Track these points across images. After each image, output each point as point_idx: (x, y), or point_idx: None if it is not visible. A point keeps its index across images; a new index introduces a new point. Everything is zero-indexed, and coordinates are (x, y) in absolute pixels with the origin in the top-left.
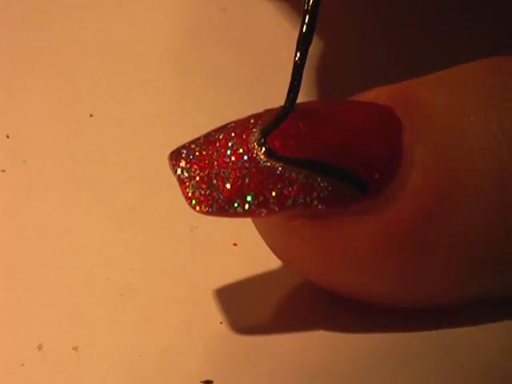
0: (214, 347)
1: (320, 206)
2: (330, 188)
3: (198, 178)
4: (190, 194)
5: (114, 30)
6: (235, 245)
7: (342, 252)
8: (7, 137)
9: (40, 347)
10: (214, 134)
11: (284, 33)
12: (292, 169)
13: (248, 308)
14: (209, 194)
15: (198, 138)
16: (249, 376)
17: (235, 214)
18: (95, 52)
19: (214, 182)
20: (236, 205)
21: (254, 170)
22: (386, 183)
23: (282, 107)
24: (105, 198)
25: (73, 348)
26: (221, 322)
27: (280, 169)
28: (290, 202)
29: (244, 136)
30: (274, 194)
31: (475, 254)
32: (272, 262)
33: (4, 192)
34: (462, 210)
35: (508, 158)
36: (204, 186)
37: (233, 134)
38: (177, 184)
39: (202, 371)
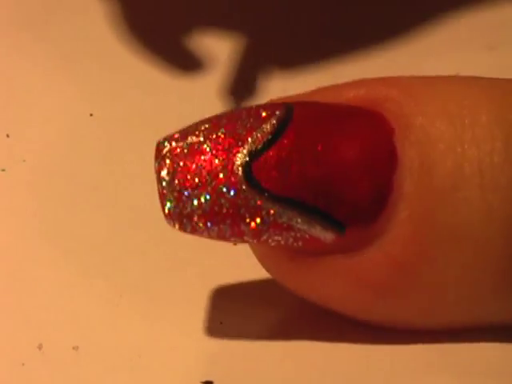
0: (214, 347)
1: (295, 244)
2: (308, 228)
3: (176, 195)
4: (167, 210)
5: (113, 29)
6: (235, 244)
7: (316, 286)
8: (7, 136)
9: (40, 347)
10: (201, 140)
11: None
12: (271, 204)
13: (248, 308)
14: (187, 215)
15: (185, 137)
16: (249, 376)
17: (210, 237)
18: (95, 51)
19: (193, 202)
20: (213, 230)
21: (234, 199)
22: (367, 225)
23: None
24: (105, 197)
25: (73, 348)
26: (221, 322)
27: (259, 203)
28: (265, 237)
29: (231, 155)
30: (249, 227)
31: (461, 291)
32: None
33: (4, 191)
34: (438, 277)
35: (496, 220)
36: (183, 207)
37: (219, 147)
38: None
39: (202, 371)
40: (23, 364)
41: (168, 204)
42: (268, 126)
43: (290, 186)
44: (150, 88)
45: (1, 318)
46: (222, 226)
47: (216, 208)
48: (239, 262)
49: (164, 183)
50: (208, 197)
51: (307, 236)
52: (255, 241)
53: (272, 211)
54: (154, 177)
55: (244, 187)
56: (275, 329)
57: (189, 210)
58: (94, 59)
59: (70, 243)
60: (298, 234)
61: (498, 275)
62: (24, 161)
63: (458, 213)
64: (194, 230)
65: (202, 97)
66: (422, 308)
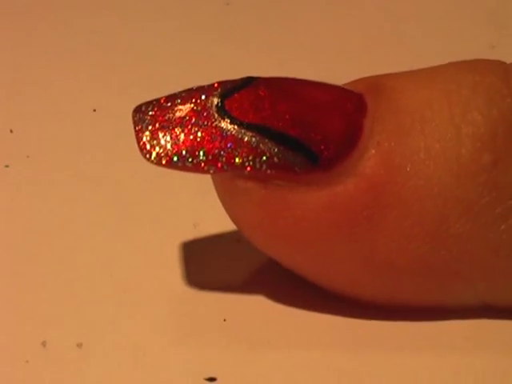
0: (218, 344)
1: (269, 171)
2: (280, 155)
3: (153, 129)
4: (144, 145)
5: (117, 24)
6: (238, 241)
7: (288, 220)
8: (11, 131)
9: (44, 344)
10: (177, 93)
11: (287, 25)
12: (244, 132)
13: (251, 305)
14: (162, 146)
15: (162, 97)
16: (252, 373)
17: (184, 168)
18: (98, 47)
19: (168, 135)
20: (187, 159)
21: (207, 128)
22: (340, 159)
23: (245, 77)
24: (108, 193)
25: (77, 345)
26: (224, 319)
27: (232, 130)
28: (238, 162)
29: (204, 97)
30: (222, 153)
31: (424, 249)
32: (275, 260)
33: (8, 187)
34: (415, 197)
35: (467, 152)
36: (157, 138)
37: (194, 94)
38: (178, 182)
39: (206, 368)
40: (27, 361)
41: (144, 138)
42: (238, 81)
43: (262, 116)
44: (153, 83)
45: (5, 315)
46: (197, 152)
47: (191, 137)
48: (242, 259)
49: (141, 122)
50: (183, 131)
51: (277, 161)
52: (227, 168)
53: (246, 137)
54: (157, 172)
55: (218, 118)
56: (279, 326)
57: (163, 142)
58: (96, 54)
59: (73, 239)
60: (271, 160)
61: (468, 189)
62: (28, 157)
63: (427, 137)
64: (169, 161)
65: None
66: (396, 238)
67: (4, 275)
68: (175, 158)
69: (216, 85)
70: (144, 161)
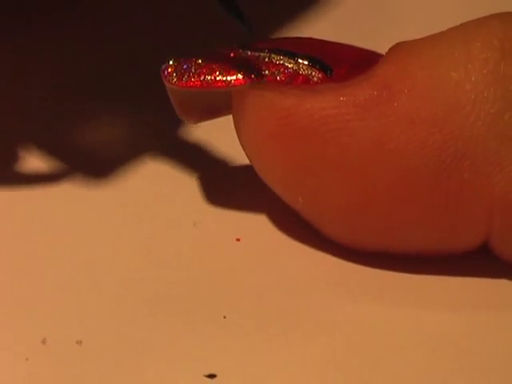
0: (218, 341)
1: (284, 79)
2: (295, 66)
3: (176, 62)
4: (168, 72)
5: (117, 23)
6: (238, 240)
7: (302, 121)
8: (11, 132)
9: (44, 341)
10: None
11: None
12: (262, 53)
13: (251, 302)
14: (184, 70)
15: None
16: (252, 370)
17: (205, 84)
18: (99, 47)
19: (191, 64)
20: (206, 76)
21: (227, 55)
22: (354, 74)
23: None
24: (109, 192)
25: (77, 342)
26: (224, 317)
27: (250, 53)
28: (255, 74)
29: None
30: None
31: (432, 135)
32: (275, 257)
33: (8, 187)
34: (423, 83)
35: (475, 47)
36: (180, 64)
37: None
38: (180, 181)
39: (206, 365)
40: (27, 359)
41: (169, 67)
42: None
43: (281, 44)
44: (153, 83)
45: (5, 312)
46: (215, 65)
47: (212, 59)
48: (242, 257)
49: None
50: (204, 60)
51: (293, 72)
52: (243, 75)
53: (262, 55)
54: (158, 172)
55: (236, 47)
56: (278, 323)
57: (186, 67)
58: (97, 54)
59: (73, 237)
60: (286, 70)
61: (476, 78)
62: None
63: (438, 47)
64: (189, 80)
65: None
66: (404, 121)
67: (4, 274)
68: (195, 77)
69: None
70: (144, 161)
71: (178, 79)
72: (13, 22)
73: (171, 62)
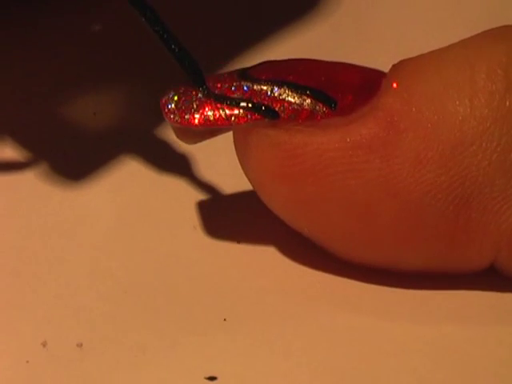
0: (218, 344)
1: (289, 116)
2: (299, 102)
3: (178, 99)
4: (168, 111)
5: (117, 24)
6: (238, 243)
7: (307, 163)
8: (12, 133)
9: (44, 344)
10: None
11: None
12: (264, 85)
13: (251, 305)
14: (185, 108)
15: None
16: (252, 372)
17: (208, 123)
18: (99, 48)
19: (192, 101)
20: (210, 114)
21: (228, 88)
22: (358, 105)
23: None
24: (109, 194)
25: (77, 345)
26: (224, 319)
27: (251, 86)
28: (262, 109)
29: (227, 72)
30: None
31: (439, 174)
32: (275, 260)
33: (8, 188)
34: (428, 119)
35: (481, 80)
36: (181, 103)
37: (218, 76)
38: (178, 184)
39: (206, 368)
40: (27, 361)
41: (169, 105)
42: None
43: (282, 74)
44: (153, 84)
45: (5, 315)
46: (219, 105)
47: (214, 96)
48: (242, 260)
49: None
50: (206, 94)
51: (297, 107)
52: (244, 112)
53: (264, 88)
54: (158, 175)
55: (237, 78)
56: (278, 325)
57: (187, 104)
58: (98, 56)
59: (73, 240)
60: (290, 106)
61: (481, 113)
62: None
63: (442, 73)
64: (193, 120)
65: None
66: (411, 162)
67: (4, 275)
68: (198, 116)
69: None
70: (144, 162)
71: (179, 117)
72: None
73: (171, 96)
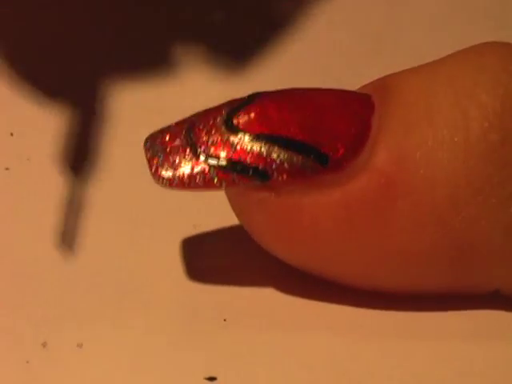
0: (218, 344)
1: (280, 178)
2: (289, 161)
3: (163, 155)
4: (156, 170)
5: (116, 25)
6: (238, 242)
7: (303, 224)
8: (11, 135)
9: (44, 344)
10: (186, 118)
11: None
12: (252, 143)
13: (251, 305)
14: (173, 169)
15: (171, 124)
16: (252, 373)
17: (197, 187)
18: (98, 49)
19: (178, 158)
20: (199, 178)
21: (217, 145)
22: (349, 158)
23: (251, 94)
24: (108, 195)
25: (77, 345)
26: (224, 319)
27: (241, 143)
28: (250, 172)
29: (212, 117)
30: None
31: (438, 235)
32: (276, 259)
33: (8, 190)
34: (426, 185)
35: (475, 134)
36: (168, 162)
37: (202, 117)
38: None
39: (206, 368)
40: (27, 362)
41: (155, 164)
42: (244, 98)
43: (269, 126)
44: (153, 85)
45: (5, 315)
46: (209, 165)
47: (202, 155)
48: (242, 259)
49: (152, 150)
50: (193, 152)
51: (288, 167)
52: (239, 180)
53: (254, 147)
54: None
55: (224, 132)
56: (279, 325)
57: (174, 165)
58: (96, 57)
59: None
60: (281, 167)
61: (477, 170)
62: (28, 159)
63: (435, 125)
64: (181, 183)
65: (205, 94)
66: (408, 227)
67: (4, 275)
68: (187, 180)
69: (223, 105)
70: (143, 163)
71: (167, 182)
72: None
73: (158, 154)
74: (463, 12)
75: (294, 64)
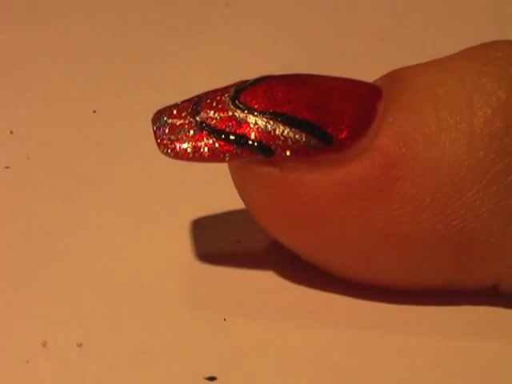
0: (218, 344)
1: (283, 154)
2: (294, 138)
3: (170, 127)
4: (162, 141)
5: (116, 25)
6: (238, 242)
7: (304, 201)
8: (11, 133)
9: (44, 344)
10: (195, 96)
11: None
12: (258, 118)
13: (251, 304)
14: (179, 141)
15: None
16: (252, 373)
17: (201, 158)
18: (98, 47)
19: (185, 131)
20: (204, 149)
21: (223, 119)
22: (353, 139)
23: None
24: (109, 194)
25: (77, 345)
26: (224, 319)
27: (246, 118)
28: (254, 146)
29: (219, 93)
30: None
31: (437, 218)
32: (276, 259)
33: (8, 188)
34: (428, 167)
35: (478, 121)
36: (175, 134)
37: (211, 94)
38: (178, 182)
39: (206, 368)
40: (27, 361)
41: (162, 135)
42: (252, 79)
43: (275, 102)
44: (152, 84)
45: (5, 315)
46: (214, 138)
47: (207, 128)
48: (242, 259)
49: (159, 124)
50: (199, 125)
51: (291, 144)
52: (242, 152)
53: (259, 122)
54: (157, 173)
55: (231, 107)
56: (278, 325)
57: (180, 136)
58: (96, 55)
59: (73, 240)
60: (285, 143)
61: (480, 157)
62: (28, 158)
63: (439, 110)
64: (186, 153)
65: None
66: (408, 209)
67: (4, 275)
68: (191, 151)
69: (231, 84)
70: (144, 162)
71: (172, 151)
72: None
73: (163, 123)
74: (466, 11)
75: (294, 64)
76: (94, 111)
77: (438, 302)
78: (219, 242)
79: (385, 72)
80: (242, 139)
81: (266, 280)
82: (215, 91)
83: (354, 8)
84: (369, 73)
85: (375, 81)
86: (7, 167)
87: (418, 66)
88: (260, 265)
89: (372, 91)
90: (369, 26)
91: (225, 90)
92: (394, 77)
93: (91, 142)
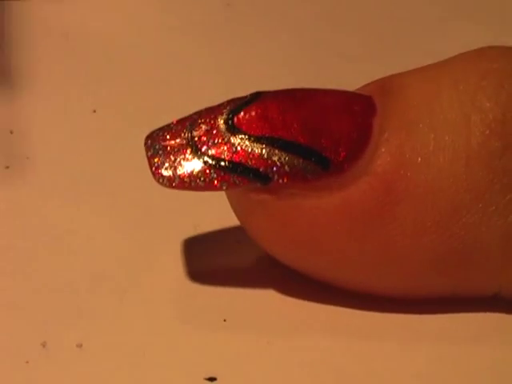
0: (218, 344)
1: (281, 181)
2: (290, 164)
3: (164, 153)
4: (157, 169)
5: (117, 24)
6: (238, 242)
7: (303, 227)
8: (11, 132)
9: (44, 344)
10: (187, 116)
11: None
12: (254, 144)
13: (251, 305)
14: (173, 169)
15: (172, 121)
16: (252, 373)
17: (197, 188)
18: (98, 47)
19: (179, 157)
20: (199, 179)
21: (218, 145)
22: (350, 162)
23: (253, 93)
24: (109, 195)
25: (77, 345)
26: (224, 320)
27: (242, 144)
28: (251, 174)
29: (213, 116)
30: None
31: (438, 240)
32: (276, 260)
33: (8, 188)
34: (427, 190)
35: (476, 140)
36: (169, 162)
37: (204, 115)
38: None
39: (206, 368)
40: (27, 362)
41: (156, 163)
42: (246, 97)
43: (271, 127)
44: (153, 84)
45: (5, 315)
46: (208, 170)
47: (202, 156)
48: (242, 260)
49: (153, 149)
50: (194, 152)
51: (288, 170)
52: (239, 182)
53: (255, 150)
54: None
55: (225, 132)
56: (279, 326)
57: (175, 164)
58: (97, 54)
59: (73, 240)
60: (282, 169)
61: (478, 177)
62: (27, 158)
63: (436, 129)
64: (182, 183)
65: (206, 92)
66: (409, 233)
67: (4, 275)
68: (187, 180)
69: (224, 103)
70: (144, 162)
71: (167, 181)
72: None
73: (158, 151)
74: (465, 12)
75: (293, 64)
76: (94, 111)
77: (439, 308)
78: (219, 242)
79: (383, 72)
80: (238, 168)
81: (267, 281)
82: (208, 112)
83: (354, 8)
84: (369, 73)
85: (366, 85)
86: (7, 167)
87: (410, 73)
88: (260, 265)
89: (367, 106)
90: (368, 26)
91: (218, 110)
92: (386, 88)
93: (91, 142)
